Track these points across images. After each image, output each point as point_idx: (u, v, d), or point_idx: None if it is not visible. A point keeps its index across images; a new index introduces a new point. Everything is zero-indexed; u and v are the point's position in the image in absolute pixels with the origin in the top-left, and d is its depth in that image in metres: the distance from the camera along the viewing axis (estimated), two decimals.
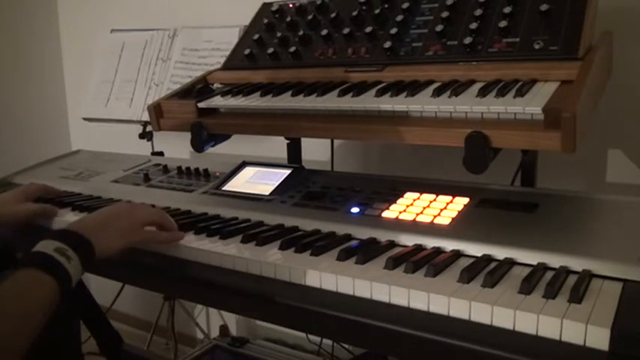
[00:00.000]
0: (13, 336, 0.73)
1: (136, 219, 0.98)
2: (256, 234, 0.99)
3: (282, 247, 0.93)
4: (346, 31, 1.29)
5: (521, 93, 0.97)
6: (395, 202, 1.05)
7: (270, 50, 1.38)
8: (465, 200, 1.02)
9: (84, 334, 1.72)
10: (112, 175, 1.52)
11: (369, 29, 1.26)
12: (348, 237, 0.98)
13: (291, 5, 1.45)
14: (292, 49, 1.35)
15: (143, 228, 0.98)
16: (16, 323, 0.74)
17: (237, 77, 1.41)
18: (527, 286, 0.73)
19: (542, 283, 0.73)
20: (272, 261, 0.88)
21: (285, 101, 1.20)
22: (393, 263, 0.82)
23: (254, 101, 1.24)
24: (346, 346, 1.87)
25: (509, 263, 0.83)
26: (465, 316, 0.70)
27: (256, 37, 1.43)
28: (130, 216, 0.97)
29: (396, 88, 1.09)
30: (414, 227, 0.96)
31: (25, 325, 0.75)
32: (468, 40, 1.13)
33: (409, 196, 1.07)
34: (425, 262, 0.82)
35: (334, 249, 0.91)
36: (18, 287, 0.77)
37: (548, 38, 1.06)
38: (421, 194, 1.07)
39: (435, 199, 1.04)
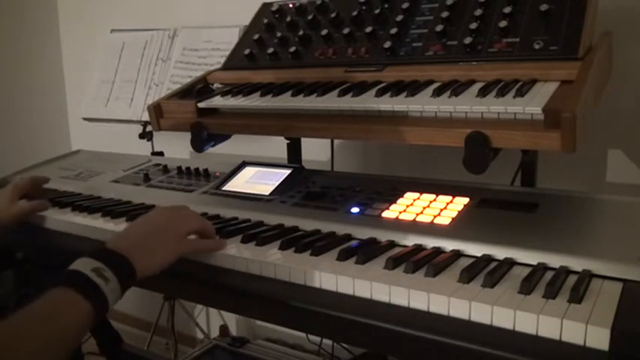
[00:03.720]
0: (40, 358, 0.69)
1: (179, 230, 0.91)
2: (256, 234, 0.99)
3: (282, 247, 0.93)
4: (346, 31, 1.29)
5: (521, 93, 0.97)
6: (395, 202, 1.05)
7: (270, 50, 1.38)
8: (465, 200, 1.02)
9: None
10: (112, 175, 1.52)
11: (369, 29, 1.26)
12: (348, 237, 0.98)
13: (291, 5, 1.45)
14: (292, 49, 1.35)
15: (187, 238, 0.92)
16: (46, 346, 0.69)
17: (237, 77, 1.41)
18: (527, 286, 0.73)
19: (542, 283, 0.73)
20: (272, 261, 0.88)
21: (285, 101, 1.20)
22: (393, 263, 0.82)
23: (254, 101, 1.24)
24: (346, 346, 1.86)
25: (509, 263, 0.83)
26: (465, 316, 0.70)
27: (256, 37, 1.43)
28: (174, 228, 0.90)
29: (396, 88, 1.09)
30: (414, 227, 0.96)
31: (53, 348, 0.70)
32: (468, 40, 1.13)
33: (409, 196, 1.07)
34: (425, 262, 0.82)
35: (334, 249, 0.91)
36: (49, 308, 0.72)
37: (548, 38, 1.06)
38: (421, 194, 1.07)
39: (435, 199, 1.04)
